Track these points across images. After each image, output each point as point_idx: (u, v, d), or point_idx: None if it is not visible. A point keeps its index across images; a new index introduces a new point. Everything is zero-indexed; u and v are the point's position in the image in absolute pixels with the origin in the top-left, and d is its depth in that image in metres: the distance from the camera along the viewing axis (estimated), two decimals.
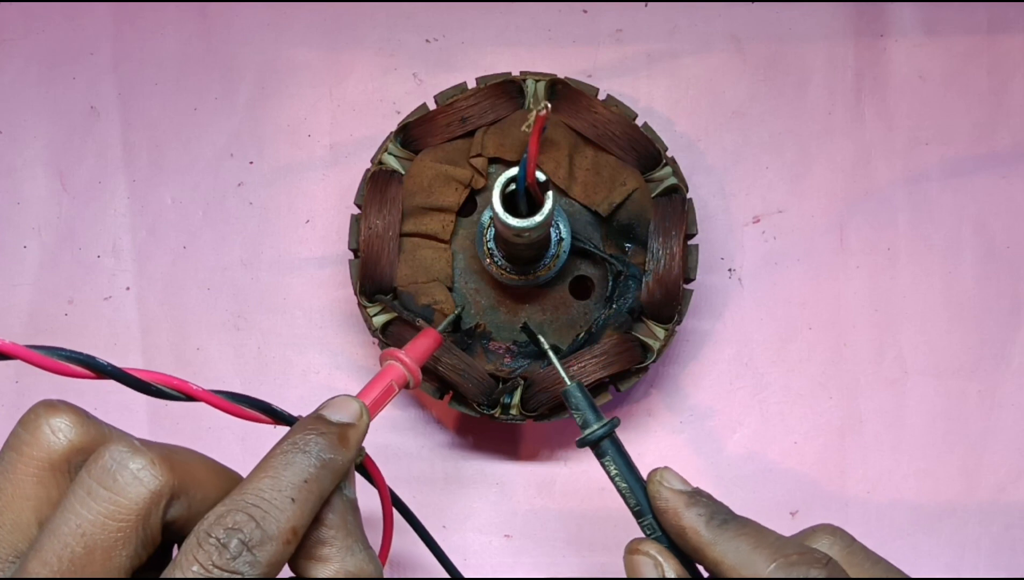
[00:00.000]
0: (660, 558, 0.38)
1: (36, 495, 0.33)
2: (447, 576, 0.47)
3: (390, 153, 0.50)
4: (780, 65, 0.55)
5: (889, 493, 0.53)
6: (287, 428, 0.37)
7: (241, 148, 0.55)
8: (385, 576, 0.37)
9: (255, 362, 0.54)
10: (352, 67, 0.56)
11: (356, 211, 0.51)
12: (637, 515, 0.39)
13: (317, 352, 0.54)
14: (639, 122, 0.50)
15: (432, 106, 0.51)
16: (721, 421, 0.54)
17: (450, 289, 0.50)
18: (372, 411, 0.39)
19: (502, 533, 0.54)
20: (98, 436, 0.33)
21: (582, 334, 0.50)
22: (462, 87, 0.51)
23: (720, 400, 0.54)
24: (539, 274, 0.49)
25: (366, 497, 0.39)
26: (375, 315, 0.50)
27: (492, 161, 0.50)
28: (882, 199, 0.54)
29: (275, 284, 0.55)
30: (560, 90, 0.50)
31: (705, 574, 0.39)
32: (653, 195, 0.50)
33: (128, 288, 0.55)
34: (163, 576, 0.31)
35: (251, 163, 0.55)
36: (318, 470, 0.34)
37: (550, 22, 0.55)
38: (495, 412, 0.49)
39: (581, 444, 0.40)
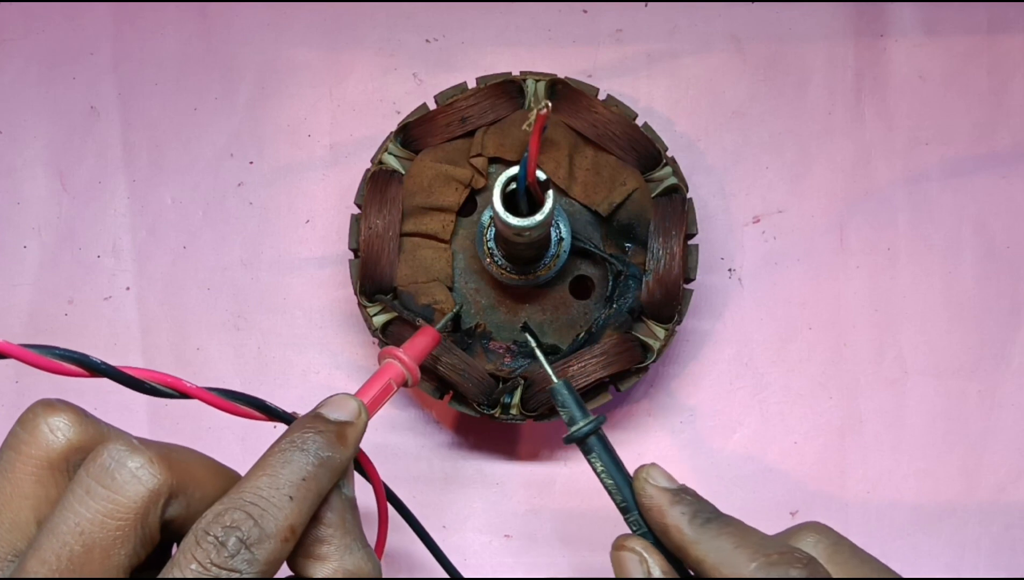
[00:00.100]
0: (646, 554, 0.38)
1: (35, 494, 0.33)
2: (446, 576, 0.47)
3: (390, 153, 0.50)
4: (780, 65, 0.55)
5: (889, 493, 0.53)
6: (286, 427, 0.37)
7: (241, 148, 0.55)
8: (384, 575, 0.37)
9: (255, 362, 0.54)
10: (352, 67, 0.56)
11: (356, 211, 0.51)
12: (623, 511, 0.40)
13: (317, 352, 0.54)
14: (639, 122, 0.50)
15: (432, 106, 0.51)
16: (721, 421, 0.54)
17: (450, 289, 0.50)
18: (371, 409, 0.39)
19: (502, 533, 0.54)
20: (96, 435, 0.33)
21: (582, 334, 0.50)
22: (462, 87, 0.51)
23: (720, 400, 0.54)
24: (539, 274, 0.49)
25: (363, 494, 0.39)
26: (375, 315, 0.50)
27: (492, 161, 0.50)
28: (882, 199, 0.54)
29: (275, 284, 0.55)
30: (560, 90, 0.50)
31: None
32: (653, 195, 0.50)
33: (128, 288, 0.55)
34: (161, 575, 0.31)
35: (251, 163, 0.55)
36: (316, 468, 0.34)
37: (550, 22, 0.55)
38: (495, 412, 0.49)
39: (568, 441, 0.41)
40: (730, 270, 0.54)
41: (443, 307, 0.49)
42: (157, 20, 0.56)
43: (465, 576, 0.49)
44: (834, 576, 0.36)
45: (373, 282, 0.50)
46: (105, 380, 0.34)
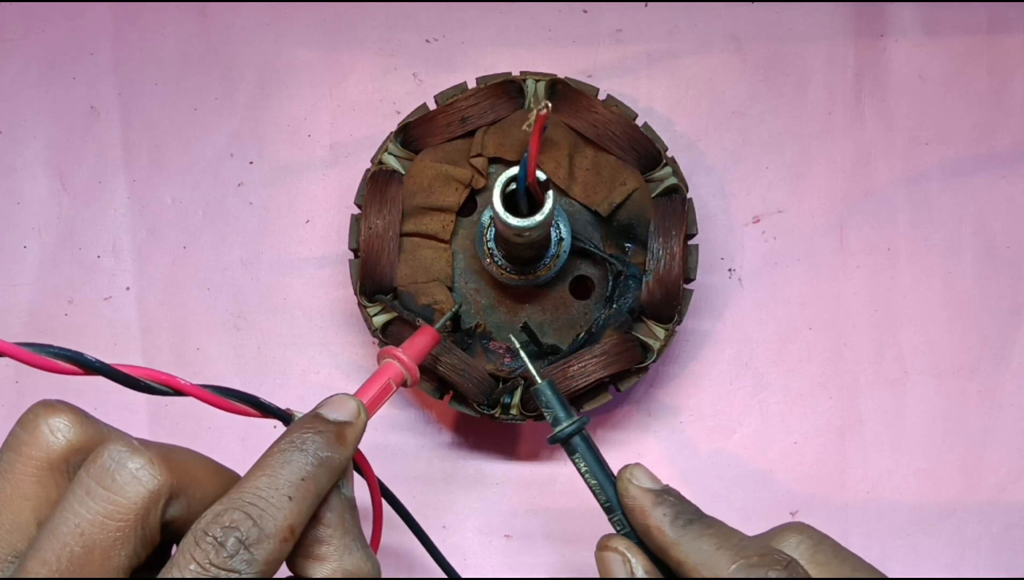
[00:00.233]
0: (629, 554, 0.38)
1: (35, 495, 0.33)
2: (445, 576, 0.47)
3: (390, 153, 0.50)
4: (780, 65, 0.55)
5: (889, 493, 0.53)
6: (284, 426, 0.37)
7: (241, 148, 0.55)
8: (384, 576, 0.37)
9: (255, 362, 0.54)
10: (352, 67, 0.56)
11: (356, 211, 0.51)
12: (607, 511, 0.40)
13: (317, 352, 0.54)
14: (639, 122, 0.50)
15: (432, 106, 0.51)
16: (721, 421, 0.54)
17: (450, 289, 0.50)
18: (370, 409, 0.39)
19: (502, 533, 0.54)
20: (97, 436, 0.33)
21: (582, 334, 0.50)
22: (462, 87, 0.51)
23: (720, 400, 0.54)
24: (539, 274, 0.49)
25: (360, 493, 0.39)
26: (375, 315, 0.50)
27: (492, 161, 0.50)
28: (882, 199, 0.54)
29: (275, 284, 0.55)
30: (560, 90, 0.50)
31: None
32: (653, 195, 0.50)
33: (128, 288, 0.55)
34: (161, 575, 0.31)
35: (251, 163, 0.55)
36: (315, 468, 0.34)
37: (550, 22, 0.55)
38: (495, 412, 0.49)
39: (552, 441, 0.41)
40: (730, 270, 0.54)
41: (443, 307, 0.49)
42: (157, 20, 0.56)
43: (465, 576, 0.48)
44: (815, 576, 0.36)
45: (373, 282, 0.50)
46: (105, 380, 0.33)
